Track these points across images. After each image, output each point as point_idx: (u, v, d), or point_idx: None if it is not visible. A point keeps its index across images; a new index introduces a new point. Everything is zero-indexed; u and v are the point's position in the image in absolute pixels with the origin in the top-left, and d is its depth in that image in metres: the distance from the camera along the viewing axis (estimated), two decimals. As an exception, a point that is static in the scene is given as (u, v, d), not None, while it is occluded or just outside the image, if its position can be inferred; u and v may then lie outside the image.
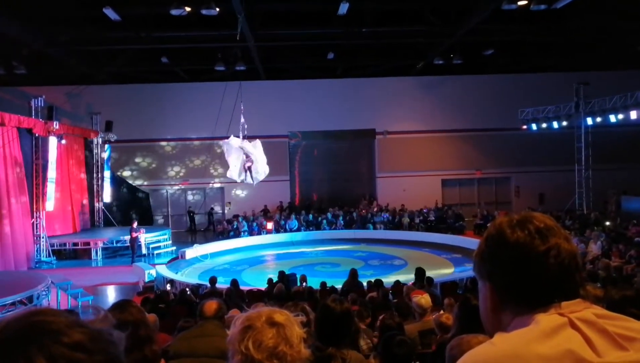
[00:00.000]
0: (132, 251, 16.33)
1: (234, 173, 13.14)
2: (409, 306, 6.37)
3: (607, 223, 17.68)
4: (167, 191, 23.51)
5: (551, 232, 1.02)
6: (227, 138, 13.37)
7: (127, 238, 16.67)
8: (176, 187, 23.43)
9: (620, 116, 17.15)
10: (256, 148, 13.03)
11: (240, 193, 23.07)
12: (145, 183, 23.03)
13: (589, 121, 19.00)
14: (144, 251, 16.61)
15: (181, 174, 23.23)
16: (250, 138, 13.18)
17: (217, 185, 23.18)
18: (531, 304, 0.98)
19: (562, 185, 21.48)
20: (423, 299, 4.85)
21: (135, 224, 16.63)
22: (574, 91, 19.46)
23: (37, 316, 0.70)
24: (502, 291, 1.03)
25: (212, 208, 23.08)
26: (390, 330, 3.91)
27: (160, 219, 23.24)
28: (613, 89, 17.91)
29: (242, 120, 12.95)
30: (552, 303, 0.97)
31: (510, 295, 1.02)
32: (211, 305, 3.36)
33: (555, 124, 19.82)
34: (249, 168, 12.93)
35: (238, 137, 12.98)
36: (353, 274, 10.44)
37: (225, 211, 23.13)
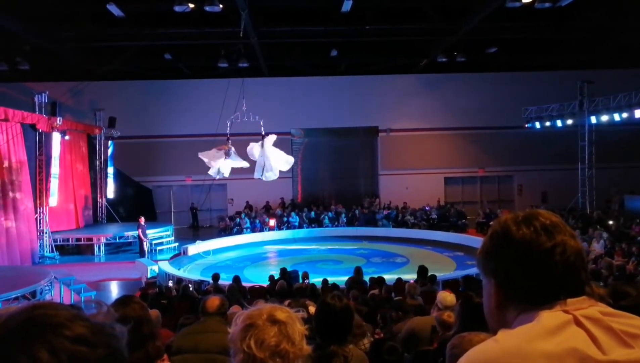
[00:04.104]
0: (140, 246, 16.37)
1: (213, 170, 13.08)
2: (410, 304, 6.38)
3: (610, 222, 17.63)
4: (170, 188, 23.53)
5: (557, 229, 1.01)
6: (232, 134, 13.31)
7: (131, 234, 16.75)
8: (179, 183, 23.43)
9: (625, 115, 17.07)
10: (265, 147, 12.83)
11: (243, 189, 23.03)
12: (148, 179, 23.05)
13: (593, 119, 18.92)
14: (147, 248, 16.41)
15: (184, 170, 23.22)
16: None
17: (219, 182, 23.15)
18: (536, 301, 0.98)
19: (565, 184, 21.40)
20: (449, 296, 4.87)
21: (142, 221, 16.60)
22: (578, 90, 19.37)
23: (38, 309, 0.70)
24: (506, 288, 1.02)
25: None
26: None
27: (162, 215, 23.23)
28: (618, 88, 17.82)
29: (251, 118, 12.95)
30: (557, 301, 0.97)
31: (515, 292, 1.01)
32: (214, 301, 3.37)
33: (559, 123, 19.73)
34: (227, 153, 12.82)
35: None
36: (357, 271, 10.45)
37: (228, 208, 23.13)
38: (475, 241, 15.76)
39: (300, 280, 10.83)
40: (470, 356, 0.96)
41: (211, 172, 13.14)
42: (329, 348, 2.41)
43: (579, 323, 0.93)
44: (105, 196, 21.21)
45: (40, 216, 16.34)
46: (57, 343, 0.66)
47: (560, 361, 0.88)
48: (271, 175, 12.78)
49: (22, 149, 15.64)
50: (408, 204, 21.99)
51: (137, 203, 22.13)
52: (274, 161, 12.65)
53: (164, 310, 7.05)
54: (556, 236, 1.00)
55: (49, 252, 16.50)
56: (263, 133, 12.91)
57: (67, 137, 17.77)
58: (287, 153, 22.63)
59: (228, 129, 12.95)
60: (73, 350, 0.66)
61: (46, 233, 16.53)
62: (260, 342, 1.43)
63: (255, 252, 18.15)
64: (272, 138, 12.78)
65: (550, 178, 22.53)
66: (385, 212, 21.25)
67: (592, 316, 0.94)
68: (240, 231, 20.22)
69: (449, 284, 10.95)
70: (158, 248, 17.60)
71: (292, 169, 23.50)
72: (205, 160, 12.88)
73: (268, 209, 22.17)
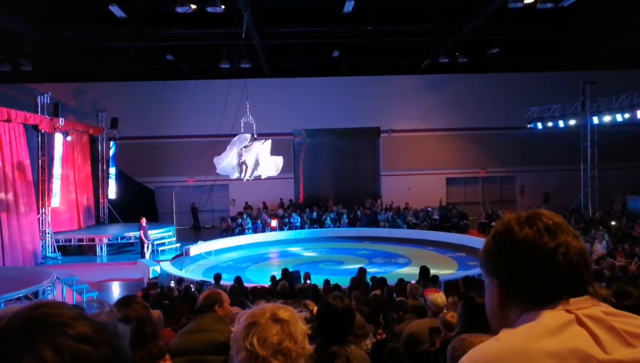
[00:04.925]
0: (141, 247, 16.37)
1: (232, 171, 13.27)
2: (412, 305, 6.37)
3: (613, 223, 17.59)
4: (172, 188, 23.55)
5: (560, 229, 1.01)
6: (233, 135, 13.39)
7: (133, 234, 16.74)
8: (181, 184, 23.45)
9: (627, 115, 17.04)
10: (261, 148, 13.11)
11: (244, 190, 23.03)
12: (150, 180, 23.08)
13: (595, 120, 18.88)
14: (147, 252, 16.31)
15: (186, 171, 23.24)
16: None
17: (221, 182, 23.18)
18: (539, 301, 0.98)
19: (567, 184, 21.36)
20: (439, 297, 4.87)
21: (144, 222, 16.55)
22: (580, 90, 19.33)
23: (42, 308, 0.70)
24: (509, 288, 1.02)
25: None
26: None
27: (164, 216, 23.25)
28: (620, 88, 17.79)
29: (251, 120, 13.06)
30: (559, 300, 0.97)
31: (518, 292, 1.01)
32: (202, 295, 3.41)
33: (561, 123, 19.70)
34: (243, 163, 13.03)
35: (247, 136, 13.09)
36: (361, 272, 10.44)
37: (230, 209, 23.14)
38: (477, 241, 15.73)
39: (302, 281, 10.84)
40: (472, 355, 0.96)
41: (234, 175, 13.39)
42: (330, 348, 2.41)
43: (581, 323, 0.93)
44: (107, 197, 21.23)
45: (42, 217, 16.37)
46: (60, 342, 0.66)
47: (562, 360, 0.88)
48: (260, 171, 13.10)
49: (24, 150, 15.67)
50: (410, 205, 21.98)
51: (139, 204, 22.15)
52: (263, 165, 12.91)
53: (166, 311, 7.06)
54: (559, 236, 1.00)
55: (51, 252, 16.52)
56: (255, 136, 13.05)
57: (69, 138, 17.80)
58: (289, 154, 22.88)
59: (242, 128, 13.07)
60: (76, 348, 0.66)
61: (48, 233, 16.56)
62: (262, 340, 1.43)
63: (257, 253, 18.15)
64: (267, 144, 13.07)
65: (552, 179, 22.49)
66: (388, 214, 21.23)
67: (594, 316, 0.94)
68: (242, 232, 20.23)
69: (451, 285, 10.95)
70: (160, 248, 17.61)
71: (294, 169, 23.55)
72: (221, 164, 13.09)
73: (266, 210, 22.16)
